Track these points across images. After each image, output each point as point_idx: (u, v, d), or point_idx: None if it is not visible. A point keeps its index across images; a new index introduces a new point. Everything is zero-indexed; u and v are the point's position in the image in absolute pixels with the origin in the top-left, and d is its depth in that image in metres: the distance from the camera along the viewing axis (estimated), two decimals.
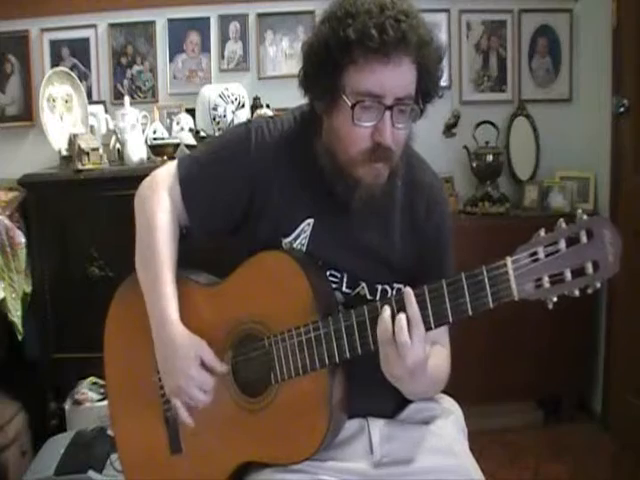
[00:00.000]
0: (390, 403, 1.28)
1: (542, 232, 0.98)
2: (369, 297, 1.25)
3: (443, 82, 3.21)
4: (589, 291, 0.96)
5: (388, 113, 1.10)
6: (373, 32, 1.05)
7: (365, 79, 1.09)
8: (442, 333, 1.29)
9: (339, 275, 1.24)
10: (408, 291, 1.05)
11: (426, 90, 1.15)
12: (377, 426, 1.25)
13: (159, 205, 1.26)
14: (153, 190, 1.28)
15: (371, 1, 1.08)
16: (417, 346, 1.04)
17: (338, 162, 1.16)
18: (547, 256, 0.97)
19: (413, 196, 1.27)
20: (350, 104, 1.10)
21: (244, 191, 1.24)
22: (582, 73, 3.04)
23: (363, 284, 1.25)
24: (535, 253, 0.97)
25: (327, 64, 1.11)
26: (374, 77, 1.08)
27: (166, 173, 1.30)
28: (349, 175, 1.15)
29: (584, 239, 0.95)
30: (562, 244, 0.96)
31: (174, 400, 1.22)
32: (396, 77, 1.09)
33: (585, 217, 0.96)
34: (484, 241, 2.59)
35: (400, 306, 1.06)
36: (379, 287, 1.25)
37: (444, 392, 1.36)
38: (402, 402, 1.28)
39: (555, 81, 3.07)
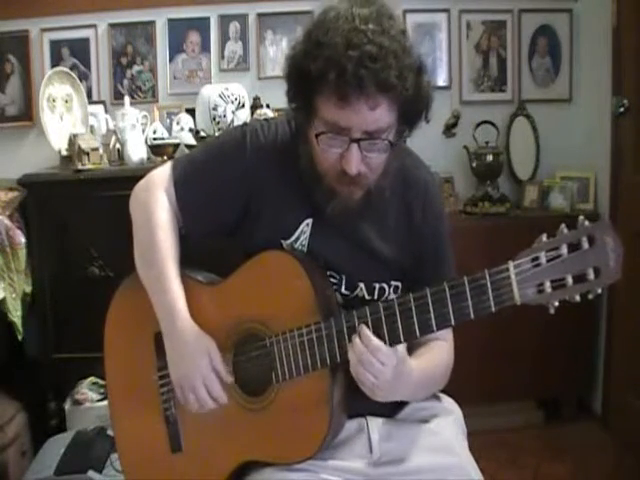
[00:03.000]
0: (389, 402, 1.28)
1: (544, 237, 0.99)
2: (367, 297, 1.25)
3: (443, 82, 3.20)
4: (590, 296, 0.97)
5: (355, 145, 1.08)
6: (331, 75, 1.02)
7: (330, 112, 1.07)
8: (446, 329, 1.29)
9: (338, 277, 1.24)
10: (362, 327, 1.07)
11: (407, 120, 1.13)
12: (376, 425, 1.26)
13: (156, 204, 1.26)
14: (149, 191, 1.28)
15: (344, 31, 1.04)
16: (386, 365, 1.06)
17: (316, 170, 1.16)
18: (549, 261, 0.97)
19: (408, 194, 1.27)
20: (315, 132, 1.10)
21: (239, 194, 1.24)
22: (582, 73, 3.04)
23: (361, 285, 1.25)
24: (537, 258, 0.98)
25: (299, 86, 1.11)
26: (337, 113, 1.06)
27: (161, 175, 1.30)
28: (325, 185, 1.16)
29: (586, 245, 0.96)
30: (564, 249, 0.97)
31: (178, 391, 1.21)
32: (358, 117, 1.06)
33: (587, 223, 0.97)
34: (484, 241, 2.60)
35: (402, 310, 1.07)
36: (377, 286, 1.26)
37: (444, 392, 1.36)
38: (401, 401, 1.28)
39: (555, 81, 3.07)
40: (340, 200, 1.16)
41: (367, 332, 1.07)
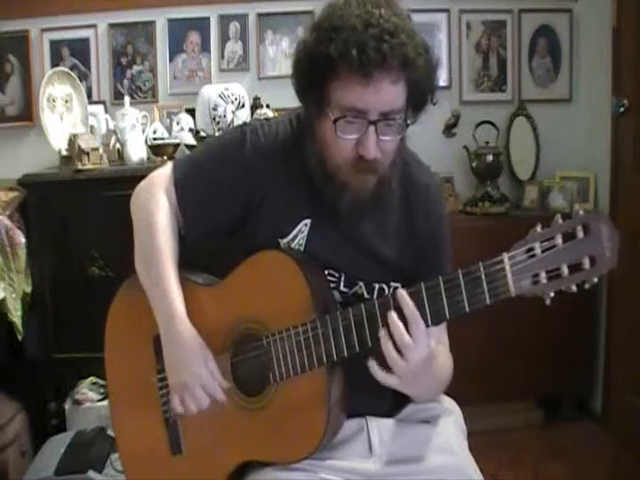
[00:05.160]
0: (389, 402, 1.28)
1: (538, 228, 0.99)
2: (367, 296, 1.25)
3: (443, 82, 3.20)
4: (586, 286, 0.96)
5: (372, 127, 1.09)
6: (353, 52, 1.03)
7: (347, 95, 1.07)
8: (441, 332, 1.29)
9: (337, 275, 1.24)
10: (401, 292, 1.05)
11: (416, 102, 1.14)
12: (376, 425, 1.25)
13: (157, 205, 1.26)
14: (150, 192, 1.28)
15: (359, 14, 1.06)
16: (420, 344, 1.04)
17: (327, 166, 1.16)
18: (544, 252, 0.97)
19: (410, 197, 1.27)
20: (333, 118, 1.09)
21: (239, 194, 1.24)
22: (582, 73, 3.04)
23: (360, 283, 1.25)
24: (532, 249, 0.97)
25: (312, 76, 1.10)
26: (356, 94, 1.07)
27: (162, 175, 1.30)
28: (337, 179, 1.15)
29: (580, 234, 0.95)
30: (559, 239, 0.96)
31: (174, 396, 1.22)
32: (378, 96, 1.07)
33: (582, 212, 0.96)
34: (484, 241, 2.58)
35: (397, 306, 1.06)
36: (376, 286, 1.25)
37: (444, 392, 1.36)
38: (401, 401, 1.28)
39: (555, 81, 3.07)
40: (352, 193, 1.16)
41: (410, 303, 1.04)
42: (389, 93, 1.07)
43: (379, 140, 1.10)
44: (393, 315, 1.05)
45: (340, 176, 1.15)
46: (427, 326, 1.05)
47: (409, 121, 1.14)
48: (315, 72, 1.09)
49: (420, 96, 1.13)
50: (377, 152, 1.11)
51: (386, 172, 1.17)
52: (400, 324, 1.04)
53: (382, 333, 1.06)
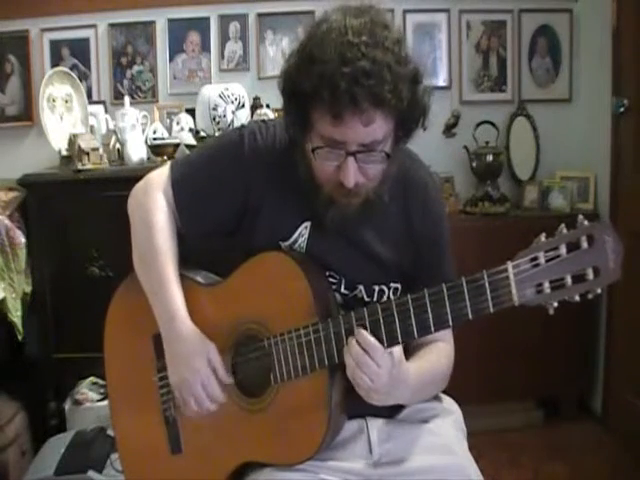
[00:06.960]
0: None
1: (543, 237, 0.98)
2: (367, 299, 1.25)
3: (443, 82, 3.18)
4: (590, 296, 0.96)
5: (351, 158, 1.08)
6: (324, 93, 1.02)
7: (325, 127, 1.07)
8: (445, 330, 1.28)
9: (337, 277, 1.24)
10: (358, 329, 1.07)
11: (404, 129, 1.12)
12: (376, 426, 1.25)
13: (155, 206, 1.26)
14: (147, 192, 1.29)
15: (337, 45, 1.03)
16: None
17: (314, 181, 1.16)
18: (548, 261, 0.97)
19: (408, 197, 1.26)
20: (311, 147, 1.09)
21: (237, 196, 1.24)
22: (582, 73, 3.04)
23: (360, 287, 1.25)
24: (536, 258, 0.97)
25: (294, 102, 1.10)
26: (332, 129, 1.06)
27: (159, 176, 1.30)
28: (323, 193, 1.15)
29: (585, 245, 0.95)
30: (563, 249, 0.96)
31: (177, 394, 1.22)
32: (354, 133, 1.05)
33: (586, 222, 0.96)
34: (484, 241, 2.60)
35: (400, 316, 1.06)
36: (376, 288, 1.25)
37: (444, 392, 1.36)
38: None
39: (555, 81, 3.07)
40: (338, 208, 1.15)
41: (364, 333, 1.07)
42: (364, 131, 1.05)
43: (361, 167, 1.10)
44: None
45: (326, 191, 1.15)
46: (430, 333, 1.06)
47: (390, 150, 1.12)
48: (297, 99, 1.09)
49: (408, 123, 1.12)
50: (359, 178, 1.10)
51: (373, 192, 1.16)
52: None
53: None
